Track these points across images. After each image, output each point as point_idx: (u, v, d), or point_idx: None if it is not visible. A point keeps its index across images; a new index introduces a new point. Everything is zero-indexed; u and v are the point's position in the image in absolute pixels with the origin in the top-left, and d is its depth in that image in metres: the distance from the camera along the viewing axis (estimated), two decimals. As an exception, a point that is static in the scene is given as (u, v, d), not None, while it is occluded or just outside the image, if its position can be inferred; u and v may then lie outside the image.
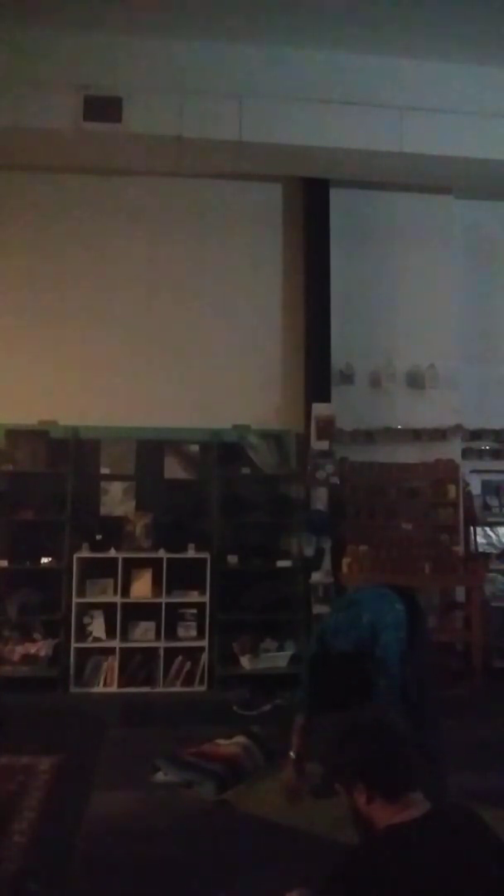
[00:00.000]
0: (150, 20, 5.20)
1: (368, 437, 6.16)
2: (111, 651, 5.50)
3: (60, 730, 4.49)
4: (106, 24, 5.23)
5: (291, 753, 3.49)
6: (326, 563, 5.64)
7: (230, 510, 5.89)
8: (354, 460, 6.10)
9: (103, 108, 5.29)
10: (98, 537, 5.65)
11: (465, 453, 6.33)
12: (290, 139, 5.52)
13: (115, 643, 5.49)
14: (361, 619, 3.36)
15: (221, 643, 5.65)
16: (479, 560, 5.95)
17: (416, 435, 6.20)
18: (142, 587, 5.61)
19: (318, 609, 5.48)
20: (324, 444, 5.77)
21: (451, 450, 6.24)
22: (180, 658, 5.55)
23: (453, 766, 3.37)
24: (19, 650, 5.49)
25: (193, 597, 5.64)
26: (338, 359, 6.10)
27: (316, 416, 5.80)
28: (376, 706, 3.08)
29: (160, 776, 3.66)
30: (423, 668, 3.40)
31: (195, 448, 6.03)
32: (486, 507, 6.38)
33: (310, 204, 6.23)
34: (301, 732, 3.49)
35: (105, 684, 5.46)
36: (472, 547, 6.16)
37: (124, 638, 5.54)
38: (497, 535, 6.37)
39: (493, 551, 6.28)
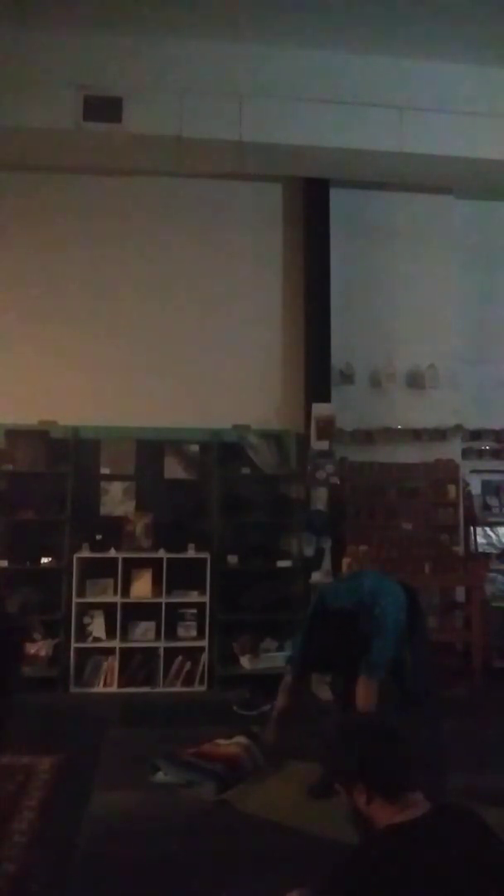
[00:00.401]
0: (150, 20, 5.20)
1: (368, 437, 6.16)
2: (111, 651, 5.51)
3: (60, 730, 4.49)
4: (106, 24, 5.23)
5: (275, 713, 3.52)
6: (326, 563, 5.63)
7: (230, 510, 5.89)
8: (354, 460, 6.10)
9: (103, 108, 5.29)
10: (98, 537, 5.65)
11: (465, 453, 6.33)
12: (290, 139, 5.52)
13: (115, 643, 5.50)
14: (363, 587, 3.44)
15: (221, 643, 5.65)
16: (479, 560, 5.95)
17: (416, 435, 6.20)
18: (142, 587, 5.61)
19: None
20: (324, 444, 5.76)
21: (451, 450, 6.24)
22: (180, 658, 5.55)
23: (453, 766, 3.37)
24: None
25: (193, 597, 5.64)
26: (338, 359, 6.10)
27: (316, 416, 5.80)
28: (377, 709, 3.10)
29: (160, 776, 3.66)
30: (424, 666, 3.41)
31: (195, 448, 6.03)
32: (486, 507, 6.38)
33: (310, 204, 6.22)
34: (288, 692, 3.52)
35: (105, 684, 5.47)
36: (472, 547, 6.16)
37: (124, 638, 5.54)
38: (497, 535, 6.37)
39: (493, 551, 6.28)
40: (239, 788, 3.55)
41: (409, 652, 3.32)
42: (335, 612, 3.44)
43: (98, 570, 5.63)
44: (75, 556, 5.56)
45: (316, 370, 6.02)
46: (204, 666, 5.55)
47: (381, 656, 3.21)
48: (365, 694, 3.17)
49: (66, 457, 5.77)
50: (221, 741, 3.92)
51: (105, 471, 5.90)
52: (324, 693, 5.11)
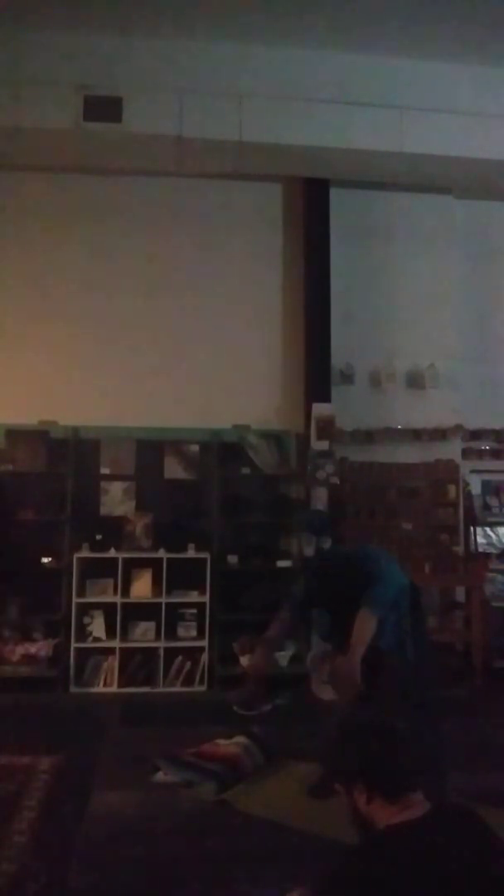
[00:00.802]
0: (150, 20, 5.20)
1: (368, 437, 6.16)
2: (111, 651, 5.50)
3: (60, 730, 4.49)
4: (106, 24, 5.23)
5: (264, 638, 3.58)
6: (326, 563, 5.63)
7: (230, 510, 5.89)
8: (354, 460, 6.10)
9: (103, 108, 5.30)
10: (98, 537, 5.65)
11: (465, 453, 6.33)
12: (290, 139, 5.53)
13: (115, 643, 5.49)
14: (370, 553, 3.55)
15: (221, 643, 5.64)
16: (479, 560, 5.96)
17: (416, 435, 6.20)
18: (142, 587, 5.61)
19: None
20: (324, 444, 5.76)
21: (451, 450, 6.24)
22: (180, 658, 5.55)
23: (453, 766, 3.37)
24: (19, 650, 5.49)
25: (193, 597, 5.64)
26: (338, 359, 6.10)
27: (316, 416, 5.80)
28: (377, 709, 3.10)
29: (160, 776, 3.66)
30: (424, 666, 3.41)
31: (195, 448, 6.02)
32: (486, 507, 6.37)
33: (310, 204, 6.22)
34: (280, 620, 3.58)
35: (105, 684, 5.46)
36: (472, 547, 6.16)
37: (124, 638, 5.54)
38: (497, 535, 6.36)
39: (493, 551, 6.27)
40: (239, 788, 3.55)
41: (410, 631, 3.35)
42: (340, 559, 3.56)
43: (98, 570, 5.63)
44: (75, 556, 5.55)
45: (316, 370, 6.02)
46: (204, 666, 5.55)
47: (382, 593, 3.23)
48: (362, 626, 3.16)
49: (66, 457, 5.76)
50: (221, 741, 3.92)
51: (105, 471, 5.89)
52: (324, 693, 5.11)
